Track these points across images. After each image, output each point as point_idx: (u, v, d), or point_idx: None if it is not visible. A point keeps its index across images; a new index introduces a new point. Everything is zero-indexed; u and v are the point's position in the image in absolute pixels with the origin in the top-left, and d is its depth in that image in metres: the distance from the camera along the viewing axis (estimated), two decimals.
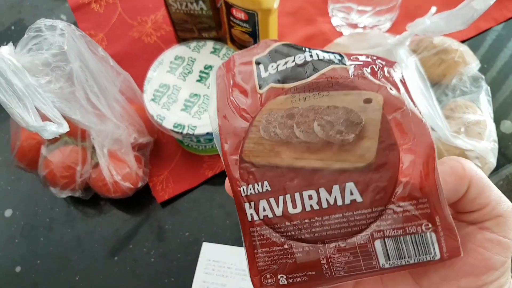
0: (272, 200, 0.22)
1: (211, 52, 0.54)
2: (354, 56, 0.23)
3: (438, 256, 0.19)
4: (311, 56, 0.23)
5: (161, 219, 0.51)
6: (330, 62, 0.22)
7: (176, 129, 0.48)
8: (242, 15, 0.49)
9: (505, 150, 0.52)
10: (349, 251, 0.20)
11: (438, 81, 0.49)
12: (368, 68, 0.22)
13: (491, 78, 0.57)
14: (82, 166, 0.48)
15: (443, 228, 0.19)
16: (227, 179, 0.23)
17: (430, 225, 0.19)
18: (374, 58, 0.23)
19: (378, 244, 0.20)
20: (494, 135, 0.45)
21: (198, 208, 0.52)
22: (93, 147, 0.47)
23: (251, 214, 0.22)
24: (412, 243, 0.20)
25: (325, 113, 0.21)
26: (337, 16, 0.60)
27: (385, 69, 0.22)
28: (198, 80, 0.51)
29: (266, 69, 0.24)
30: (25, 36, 0.36)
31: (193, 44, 0.54)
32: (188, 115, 0.49)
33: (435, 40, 0.49)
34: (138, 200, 0.52)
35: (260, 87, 0.23)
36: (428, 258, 0.20)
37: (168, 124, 0.48)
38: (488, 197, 0.20)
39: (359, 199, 0.20)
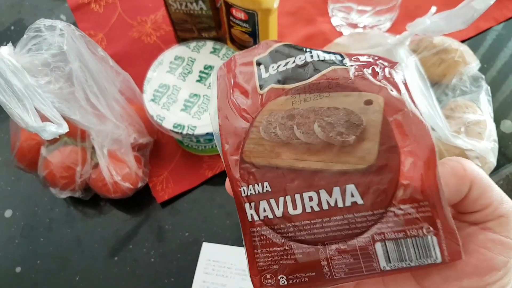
0: (272, 201, 0.22)
1: (211, 52, 0.53)
2: (355, 57, 0.23)
3: (439, 260, 0.19)
4: (311, 56, 0.23)
5: (161, 219, 0.51)
6: (331, 63, 0.22)
7: (176, 130, 0.47)
8: (242, 15, 0.49)
9: (505, 150, 0.52)
10: (350, 253, 0.20)
11: (438, 81, 0.49)
12: (369, 69, 0.22)
13: (491, 77, 0.57)
14: (82, 167, 0.48)
15: (444, 232, 0.19)
16: (227, 179, 0.23)
17: (431, 229, 0.19)
18: (376, 58, 0.23)
19: (379, 246, 0.20)
20: (494, 135, 0.45)
21: (198, 208, 0.51)
22: (93, 148, 0.47)
23: (251, 215, 0.22)
24: (413, 246, 0.20)
25: (326, 115, 0.21)
26: (337, 16, 0.60)
27: (386, 70, 0.22)
28: (198, 80, 0.51)
29: (266, 70, 0.24)
30: (25, 36, 0.36)
31: (193, 44, 0.54)
32: (188, 115, 0.48)
33: (435, 40, 0.48)
34: (138, 201, 0.52)
35: (260, 88, 0.23)
36: (429, 261, 0.20)
37: (167, 124, 0.48)
38: (490, 197, 0.20)
39: (360, 201, 0.20)
